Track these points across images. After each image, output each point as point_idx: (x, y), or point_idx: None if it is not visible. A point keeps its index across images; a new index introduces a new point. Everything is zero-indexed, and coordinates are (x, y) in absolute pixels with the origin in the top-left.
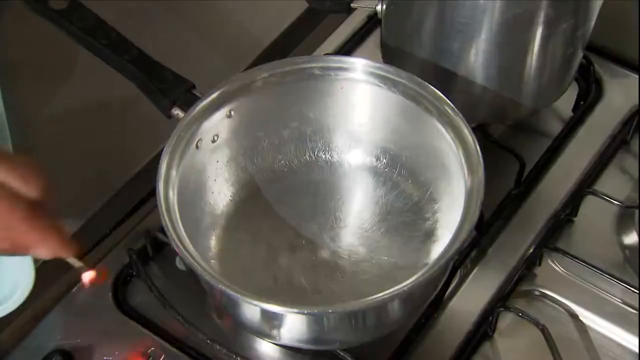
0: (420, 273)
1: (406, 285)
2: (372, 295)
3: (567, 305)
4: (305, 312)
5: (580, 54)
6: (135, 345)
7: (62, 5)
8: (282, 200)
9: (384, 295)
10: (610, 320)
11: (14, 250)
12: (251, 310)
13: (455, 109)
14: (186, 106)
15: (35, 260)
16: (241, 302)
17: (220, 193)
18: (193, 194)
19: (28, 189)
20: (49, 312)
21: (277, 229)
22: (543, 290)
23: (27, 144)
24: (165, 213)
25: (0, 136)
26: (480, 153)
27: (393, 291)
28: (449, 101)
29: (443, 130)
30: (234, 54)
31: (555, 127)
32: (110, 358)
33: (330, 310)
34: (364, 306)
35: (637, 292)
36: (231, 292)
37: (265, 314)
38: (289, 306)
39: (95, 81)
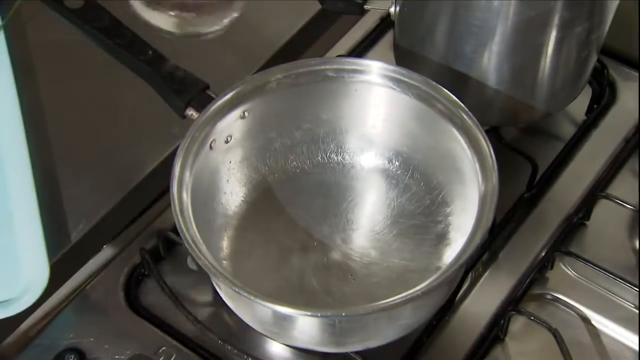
0: (433, 277)
1: (420, 290)
2: (384, 298)
3: (579, 309)
4: (319, 314)
5: (594, 57)
6: (147, 344)
7: (77, 4)
8: (294, 201)
9: (397, 299)
10: (623, 325)
11: None
12: (263, 311)
13: (469, 113)
14: (200, 107)
15: (50, 258)
16: (253, 304)
17: (233, 194)
18: (206, 194)
19: None
20: (62, 311)
21: (289, 230)
22: (555, 294)
23: (42, 143)
24: (179, 214)
25: (15, 136)
26: (494, 157)
27: (406, 295)
28: (462, 105)
29: (457, 133)
30: (248, 55)
31: (569, 131)
32: (122, 357)
33: (343, 314)
34: (377, 310)
35: None
36: (244, 294)
37: (277, 315)
38: (302, 309)
39: (110, 81)
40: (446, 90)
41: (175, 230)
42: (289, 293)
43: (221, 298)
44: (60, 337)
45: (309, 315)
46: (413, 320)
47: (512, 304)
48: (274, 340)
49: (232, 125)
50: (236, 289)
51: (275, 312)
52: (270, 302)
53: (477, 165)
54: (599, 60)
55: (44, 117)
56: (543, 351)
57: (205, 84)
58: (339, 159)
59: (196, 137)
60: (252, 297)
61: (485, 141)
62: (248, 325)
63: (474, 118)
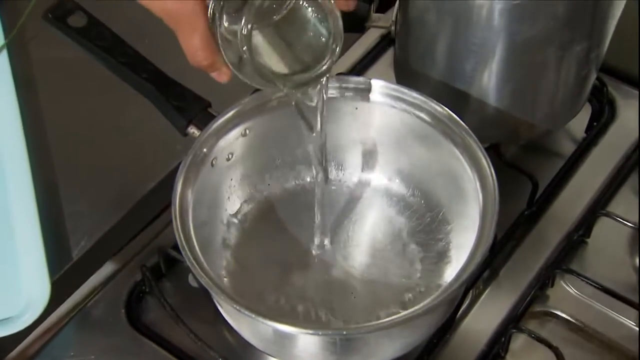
0: (434, 296)
1: (420, 308)
2: (385, 316)
3: (580, 327)
4: (320, 333)
5: (593, 76)
6: None
7: (81, 23)
8: (294, 218)
9: (397, 317)
10: (624, 343)
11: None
12: (264, 329)
13: (470, 131)
14: (202, 125)
15: (51, 275)
16: (254, 322)
17: (234, 210)
18: (207, 211)
19: None
20: (63, 328)
21: (290, 247)
22: (556, 312)
23: (43, 160)
24: (180, 231)
25: (17, 152)
26: (494, 176)
27: (407, 314)
28: (463, 123)
29: (457, 151)
30: None
31: (569, 148)
32: None
33: (344, 332)
34: (378, 329)
35: None
36: (245, 312)
37: (277, 333)
38: (303, 327)
39: (112, 98)
40: (446, 109)
41: (176, 247)
42: (290, 310)
43: (222, 315)
44: (61, 354)
45: (310, 334)
46: (414, 339)
47: (513, 322)
48: (275, 357)
49: (234, 143)
50: (237, 307)
51: (276, 330)
52: (271, 320)
53: (478, 184)
54: (598, 78)
55: (46, 134)
56: None
57: (207, 102)
58: (340, 176)
59: (198, 155)
60: (253, 315)
61: (486, 160)
62: (249, 342)
63: (474, 136)
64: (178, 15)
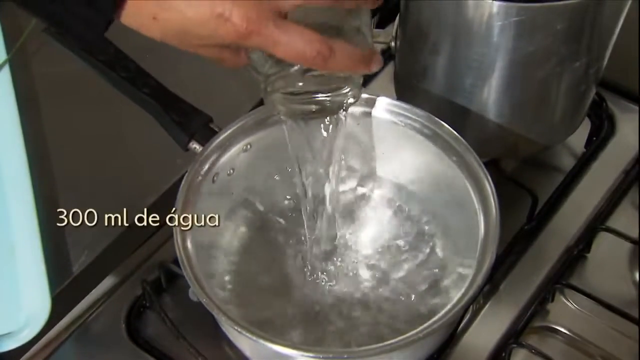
0: (435, 318)
1: (421, 331)
2: (387, 335)
3: (581, 342)
4: (322, 356)
5: (592, 91)
6: None
7: None
8: (296, 232)
9: (398, 341)
10: (624, 358)
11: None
12: (265, 348)
13: (469, 147)
14: (203, 140)
15: (51, 290)
16: (256, 343)
17: (235, 225)
18: (208, 227)
19: None
20: (63, 343)
21: (292, 262)
22: (556, 327)
23: (45, 175)
24: (181, 248)
25: (19, 167)
26: (495, 196)
27: (407, 337)
28: (463, 140)
29: (458, 169)
30: (251, 87)
31: (568, 163)
32: None
33: (345, 356)
34: (379, 352)
35: None
36: (246, 334)
37: (279, 354)
38: (304, 349)
39: (114, 113)
40: (447, 126)
41: (176, 261)
42: (291, 325)
43: (222, 330)
44: None
45: (311, 357)
46: (414, 359)
47: (513, 337)
48: None
49: (235, 158)
50: (239, 329)
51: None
52: (271, 343)
53: (479, 204)
54: (597, 94)
55: (47, 149)
56: None
57: (208, 117)
58: (340, 191)
59: (199, 171)
60: (254, 338)
61: (487, 178)
62: (249, 358)
63: (474, 153)
64: (221, 60)
